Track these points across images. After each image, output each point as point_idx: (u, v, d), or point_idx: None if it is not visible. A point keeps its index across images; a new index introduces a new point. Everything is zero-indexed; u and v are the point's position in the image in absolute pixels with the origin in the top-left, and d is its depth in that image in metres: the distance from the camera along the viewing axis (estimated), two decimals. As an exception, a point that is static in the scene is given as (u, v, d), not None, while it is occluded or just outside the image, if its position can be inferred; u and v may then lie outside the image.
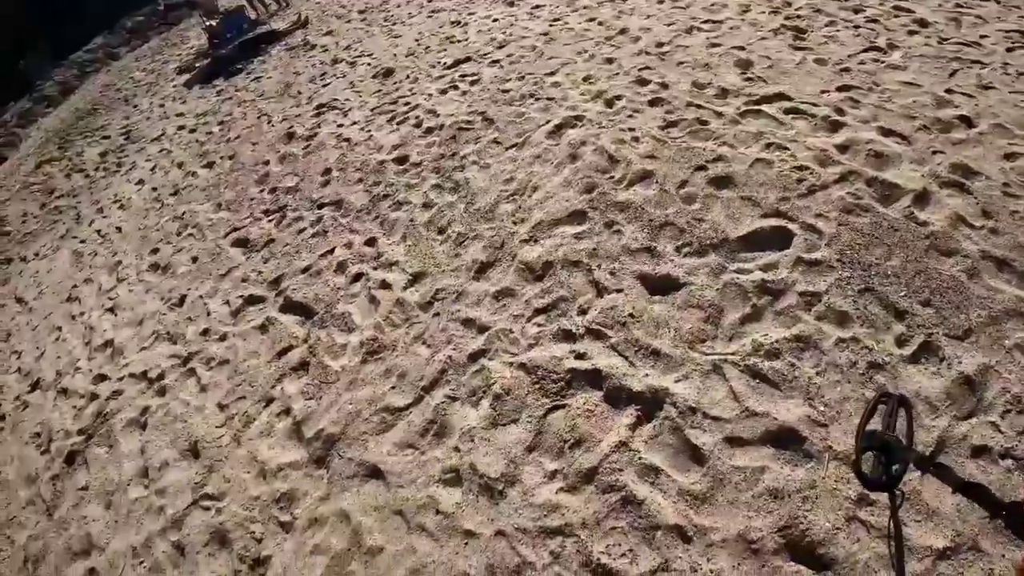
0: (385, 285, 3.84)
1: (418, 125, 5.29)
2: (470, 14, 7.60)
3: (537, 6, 6.94)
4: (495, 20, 6.95)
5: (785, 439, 2.35)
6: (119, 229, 6.49)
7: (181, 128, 8.63)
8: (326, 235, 4.53)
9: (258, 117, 7.27)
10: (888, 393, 1.89)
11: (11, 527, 4.14)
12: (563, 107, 4.74)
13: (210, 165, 6.48)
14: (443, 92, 5.69)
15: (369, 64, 7.26)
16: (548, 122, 4.61)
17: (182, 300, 4.79)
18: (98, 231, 6.80)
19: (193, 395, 3.93)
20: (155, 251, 5.64)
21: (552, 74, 5.32)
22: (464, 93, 5.53)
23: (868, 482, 1.64)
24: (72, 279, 6.27)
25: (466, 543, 2.54)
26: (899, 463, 1.71)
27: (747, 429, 2.43)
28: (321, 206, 4.85)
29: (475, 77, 5.75)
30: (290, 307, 4.09)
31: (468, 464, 2.79)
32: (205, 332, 4.30)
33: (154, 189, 6.81)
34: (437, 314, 3.54)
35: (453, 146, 4.83)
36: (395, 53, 7.24)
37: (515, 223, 3.87)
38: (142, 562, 3.37)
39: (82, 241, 6.90)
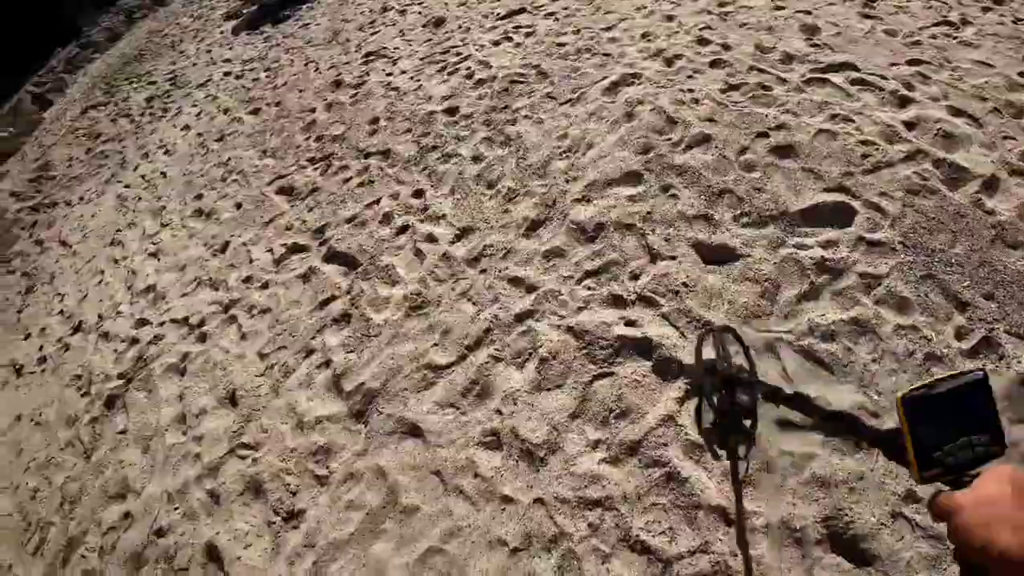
0: (431, 239, 3.70)
1: (469, 76, 5.08)
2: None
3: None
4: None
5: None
6: (164, 174, 6.46)
7: (227, 74, 8.54)
8: (372, 185, 4.39)
9: (305, 64, 7.12)
10: (711, 328, 2.01)
11: (49, 468, 4.18)
12: (620, 64, 4.48)
13: (256, 112, 6.38)
14: (496, 43, 5.45)
15: (419, 12, 7.03)
16: (604, 79, 4.36)
17: (225, 247, 4.72)
18: (143, 176, 6.79)
19: (233, 343, 3.86)
20: (199, 197, 5.59)
21: (609, 29, 5.04)
22: (517, 45, 5.29)
23: (712, 416, 1.78)
24: (116, 223, 6.29)
25: (503, 509, 2.46)
26: (745, 395, 1.81)
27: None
28: (368, 155, 4.71)
29: (529, 29, 5.49)
30: (333, 257, 3.97)
31: (509, 428, 2.68)
32: (247, 280, 4.22)
33: (199, 135, 6.75)
34: (484, 271, 3.39)
35: (505, 99, 4.62)
36: (446, 2, 6.99)
37: (567, 181, 3.67)
38: (176, 508, 3.35)
39: (127, 186, 6.90)
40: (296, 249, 4.23)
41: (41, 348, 5.43)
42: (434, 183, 4.11)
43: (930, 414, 0.87)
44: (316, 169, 4.89)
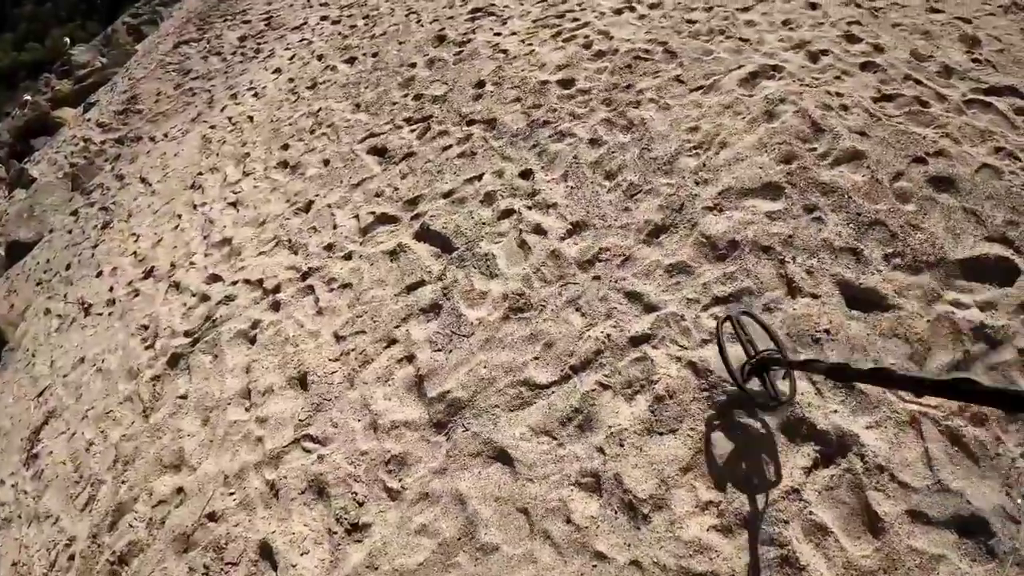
0: (539, 230, 3.32)
1: (587, 46, 4.64)
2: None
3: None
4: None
5: (972, 528, 1.99)
6: (251, 118, 6.30)
7: (324, 19, 8.31)
8: (474, 157, 4.04)
9: (406, 15, 6.79)
10: (728, 315, 2.12)
11: (106, 421, 4.09)
12: (759, 52, 3.97)
13: (351, 61, 6.11)
14: (618, 12, 4.97)
15: None
16: (740, 67, 3.86)
17: (308, 206, 4.48)
18: (229, 118, 6.66)
19: (308, 317, 3.62)
20: (285, 147, 5.38)
21: (746, 10, 4.50)
22: (642, 17, 4.80)
23: (764, 405, 1.89)
24: (198, 166, 6.18)
25: (594, 566, 2.18)
26: (785, 377, 1.93)
27: (935, 506, 2.04)
28: (471, 123, 4.35)
29: (657, 1, 4.98)
30: (426, 235, 3.66)
31: (613, 473, 2.36)
32: (329, 247, 3.97)
33: (291, 80, 6.55)
34: (597, 278, 3.00)
35: (628, 76, 4.17)
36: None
37: (697, 183, 3.22)
38: (232, 493, 3.17)
39: (212, 127, 6.80)
40: (385, 219, 3.95)
41: (111, 289, 5.39)
42: (544, 164, 3.72)
43: None
44: (413, 131, 4.57)
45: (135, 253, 5.57)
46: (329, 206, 4.30)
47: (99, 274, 5.79)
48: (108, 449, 3.89)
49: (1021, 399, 1.04)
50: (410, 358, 3.07)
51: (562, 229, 3.25)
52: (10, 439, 4.95)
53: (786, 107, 3.44)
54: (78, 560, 3.41)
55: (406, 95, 5.05)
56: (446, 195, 3.83)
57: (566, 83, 4.30)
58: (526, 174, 3.69)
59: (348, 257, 3.81)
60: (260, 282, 4.07)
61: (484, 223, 3.50)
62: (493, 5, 5.80)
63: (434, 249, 3.54)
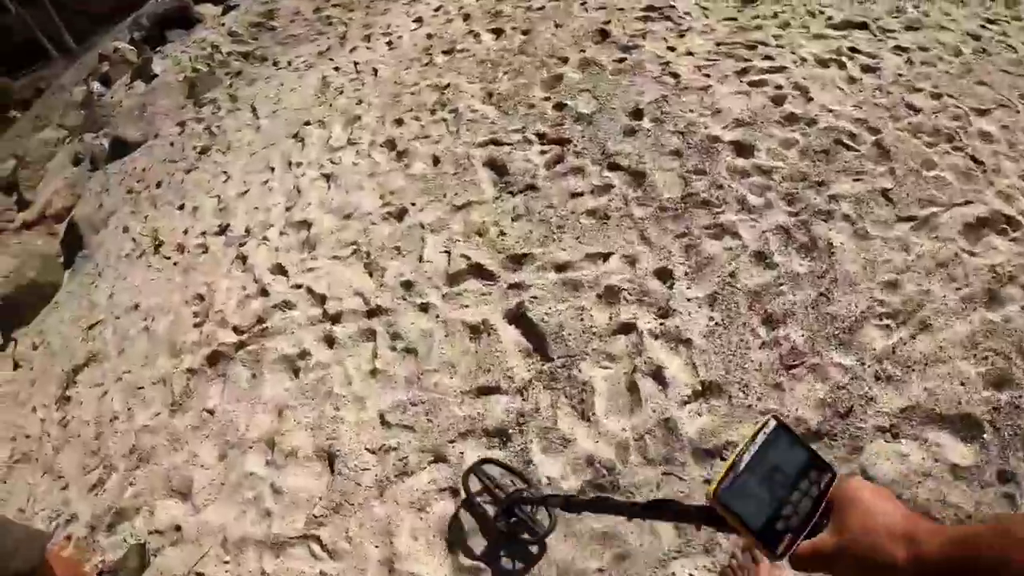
0: (659, 376, 2.63)
1: (777, 101, 3.76)
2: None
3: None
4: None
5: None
6: (375, 71, 5.76)
7: None
8: (606, 223, 3.34)
9: (573, -12, 6.00)
10: (470, 467, 2.43)
11: (135, 397, 3.88)
12: (992, 187, 3.09)
13: (498, 33, 5.41)
14: (823, 64, 4.02)
15: None
16: (967, 203, 3.02)
17: (401, 215, 3.96)
18: (355, 64, 6.15)
19: (360, 375, 3.15)
20: (399, 122, 4.83)
21: (983, 114, 3.54)
22: (852, 81, 3.85)
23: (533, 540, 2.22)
24: (308, 111, 5.76)
25: None
26: (536, 510, 2.25)
27: None
28: (614, 167, 3.62)
29: (872, 60, 3.99)
30: (520, 320, 3.04)
31: None
32: (407, 286, 3.43)
33: (428, 37, 5.93)
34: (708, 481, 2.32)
35: (823, 167, 3.32)
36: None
37: (879, 379, 2.45)
38: (227, 562, 2.81)
39: (336, 68, 6.33)
40: (480, 272, 3.36)
41: (186, 232, 5.10)
42: (691, 268, 2.98)
43: (749, 491, 0.86)
44: (544, 153, 3.90)
45: (219, 197, 5.25)
46: (423, 225, 3.74)
47: (181, 207, 5.53)
48: (128, 433, 3.65)
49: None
50: (454, 492, 2.51)
51: (688, 388, 2.53)
52: (54, 363, 4.83)
53: (1016, 292, 2.55)
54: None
55: (547, 98, 4.35)
56: (560, 268, 3.17)
57: (743, 149, 3.48)
58: (664, 275, 2.96)
59: (424, 309, 3.26)
60: (323, 299, 3.61)
61: (596, 333, 2.83)
62: (673, 7, 4.91)
63: (526, 344, 2.91)
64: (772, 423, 0.90)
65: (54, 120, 9.87)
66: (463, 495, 2.46)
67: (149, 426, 3.57)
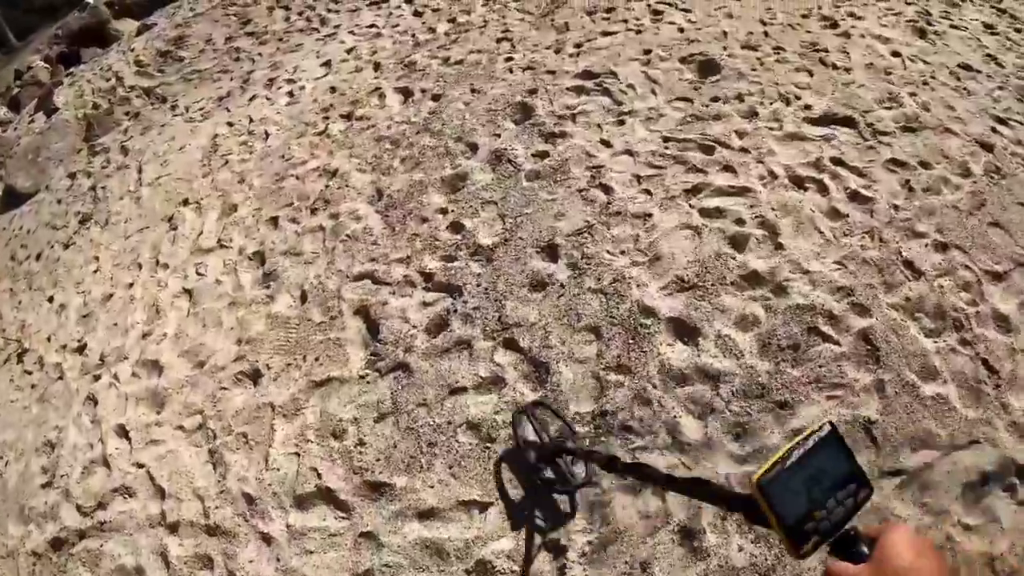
0: None
1: (737, 245, 3.09)
2: None
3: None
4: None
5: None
6: (267, 135, 4.98)
7: (410, 1, 6.53)
8: (487, 449, 2.67)
9: (498, 40, 5.12)
10: (522, 407, 2.48)
11: None
12: (1003, 419, 2.48)
13: (406, 95, 4.56)
14: (798, 185, 3.36)
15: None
16: (969, 443, 2.44)
17: (256, 377, 3.30)
18: (250, 119, 5.36)
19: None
20: (274, 222, 4.10)
21: (998, 279, 2.94)
22: (836, 217, 3.19)
23: (563, 491, 2.21)
24: (190, 187, 5.00)
25: None
26: (577, 463, 2.25)
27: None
28: (510, 346, 2.92)
29: (862, 185, 3.33)
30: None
31: None
32: (249, 500, 2.81)
33: (332, 91, 5.09)
34: None
35: (787, 378, 2.69)
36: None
37: None
38: None
39: (229, 124, 5.53)
40: (331, 498, 2.73)
41: (49, 340, 4.43)
42: (594, 545, 2.35)
43: (790, 487, 0.87)
44: (426, 305, 3.20)
45: (86, 296, 4.57)
46: (273, 407, 3.09)
47: (51, 299, 4.86)
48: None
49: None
50: None
51: None
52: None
53: None
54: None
55: (444, 210, 3.64)
56: (423, 515, 2.50)
57: (685, 333, 2.79)
58: (559, 551, 2.32)
59: (267, 541, 2.63)
60: (162, 493, 2.98)
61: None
62: (614, 78, 4.14)
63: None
64: (827, 427, 0.91)
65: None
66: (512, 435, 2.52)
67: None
